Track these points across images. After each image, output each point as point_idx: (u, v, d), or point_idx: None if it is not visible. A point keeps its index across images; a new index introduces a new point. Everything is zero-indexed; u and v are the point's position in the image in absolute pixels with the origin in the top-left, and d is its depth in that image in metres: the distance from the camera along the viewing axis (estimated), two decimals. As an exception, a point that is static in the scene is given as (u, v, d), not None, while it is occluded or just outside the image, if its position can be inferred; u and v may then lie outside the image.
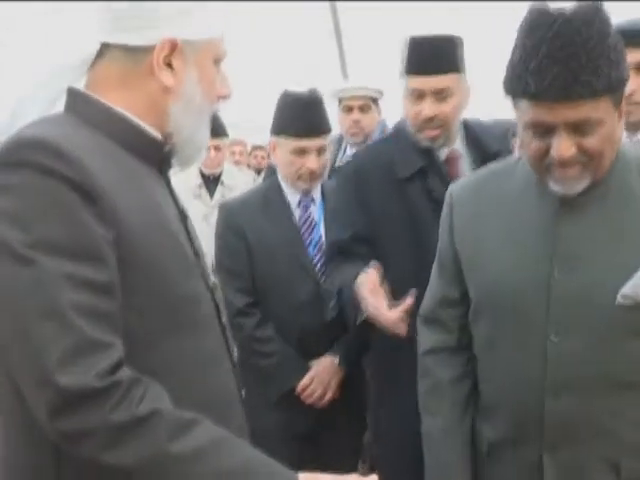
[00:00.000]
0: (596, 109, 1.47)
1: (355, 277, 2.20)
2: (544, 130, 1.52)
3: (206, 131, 1.43)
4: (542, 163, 1.57)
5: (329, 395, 2.72)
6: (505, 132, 2.61)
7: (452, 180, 2.35)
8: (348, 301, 2.28)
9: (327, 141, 2.78)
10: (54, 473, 1.22)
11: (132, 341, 1.21)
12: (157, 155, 1.39)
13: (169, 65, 1.34)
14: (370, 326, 2.19)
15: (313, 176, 2.75)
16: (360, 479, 1.28)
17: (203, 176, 4.64)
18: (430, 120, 2.42)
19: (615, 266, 1.58)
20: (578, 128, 1.50)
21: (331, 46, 6.86)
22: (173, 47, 1.33)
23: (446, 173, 2.45)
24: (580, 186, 1.58)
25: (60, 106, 1.35)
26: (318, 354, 2.74)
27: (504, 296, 1.67)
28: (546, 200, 1.64)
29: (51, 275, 1.13)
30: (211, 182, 4.67)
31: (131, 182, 1.29)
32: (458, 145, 2.53)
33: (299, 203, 2.82)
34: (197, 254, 1.41)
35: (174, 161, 1.44)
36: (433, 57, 2.41)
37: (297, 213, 2.81)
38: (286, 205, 2.81)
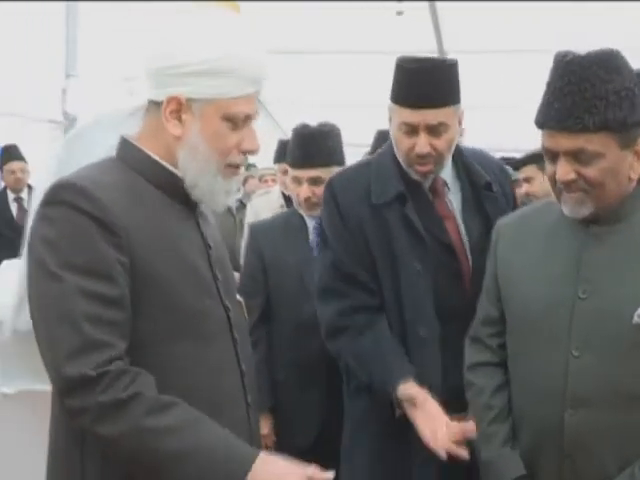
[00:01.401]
0: (590, 142, 1.69)
1: (396, 376, 2.10)
2: (552, 156, 1.75)
3: (214, 179, 1.60)
4: (556, 186, 1.79)
5: None
6: (501, 167, 2.44)
7: (436, 208, 2.28)
8: (379, 393, 2.15)
9: (326, 173, 2.70)
10: (80, 443, 1.53)
11: (145, 343, 1.51)
12: (182, 192, 1.61)
13: (180, 117, 1.56)
14: None
15: (308, 204, 2.84)
16: (316, 472, 1.47)
17: (285, 197, 4.73)
18: (423, 157, 2.17)
19: (633, 290, 1.75)
20: (576, 157, 1.71)
21: (431, 49, 6.59)
22: (179, 103, 1.55)
23: (431, 201, 2.27)
24: (583, 211, 1.77)
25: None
26: (320, 375, 2.73)
27: (532, 313, 1.85)
28: (575, 231, 1.84)
29: (71, 289, 1.44)
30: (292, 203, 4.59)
31: (153, 217, 1.56)
32: (446, 172, 2.29)
33: (315, 228, 2.87)
34: (216, 277, 1.64)
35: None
36: (428, 88, 2.12)
37: (313, 237, 2.88)
38: (304, 229, 2.91)
